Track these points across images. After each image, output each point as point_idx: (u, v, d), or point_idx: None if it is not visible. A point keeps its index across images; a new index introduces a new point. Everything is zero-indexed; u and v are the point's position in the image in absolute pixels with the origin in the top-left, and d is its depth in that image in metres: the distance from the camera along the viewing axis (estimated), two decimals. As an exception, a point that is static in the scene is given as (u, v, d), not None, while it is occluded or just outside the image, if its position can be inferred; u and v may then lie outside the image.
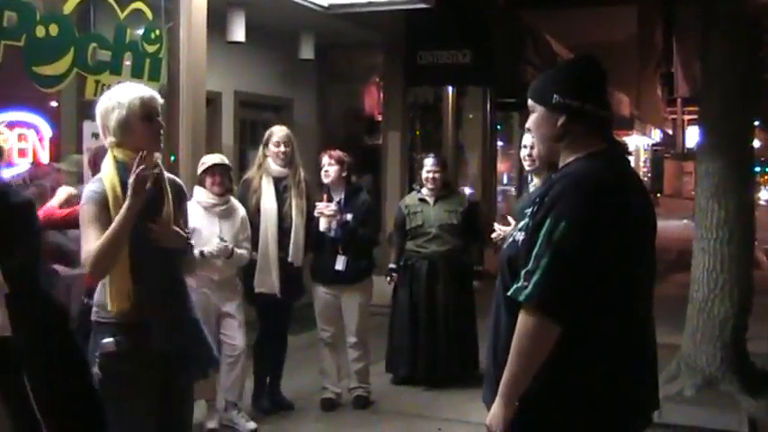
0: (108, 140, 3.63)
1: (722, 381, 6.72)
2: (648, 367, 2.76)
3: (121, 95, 3.62)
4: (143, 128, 3.62)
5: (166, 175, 3.79)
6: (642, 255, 2.67)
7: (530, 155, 5.44)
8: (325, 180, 6.40)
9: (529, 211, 2.65)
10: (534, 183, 5.55)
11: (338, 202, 6.34)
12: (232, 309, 5.91)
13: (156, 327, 3.62)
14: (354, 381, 6.62)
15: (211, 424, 5.93)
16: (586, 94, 2.66)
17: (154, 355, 3.61)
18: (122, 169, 3.56)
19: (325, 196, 6.33)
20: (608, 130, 2.74)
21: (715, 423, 6.03)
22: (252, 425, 5.94)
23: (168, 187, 3.74)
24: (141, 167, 3.45)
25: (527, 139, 5.49)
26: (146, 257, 3.61)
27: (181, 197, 3.88)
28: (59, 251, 5.93)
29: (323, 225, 6.27)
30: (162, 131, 3.74)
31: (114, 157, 3.62)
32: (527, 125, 2.82)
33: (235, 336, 5.92)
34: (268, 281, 6.11)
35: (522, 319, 2.53)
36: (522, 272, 2.54)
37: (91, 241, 3.48)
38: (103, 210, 3.52)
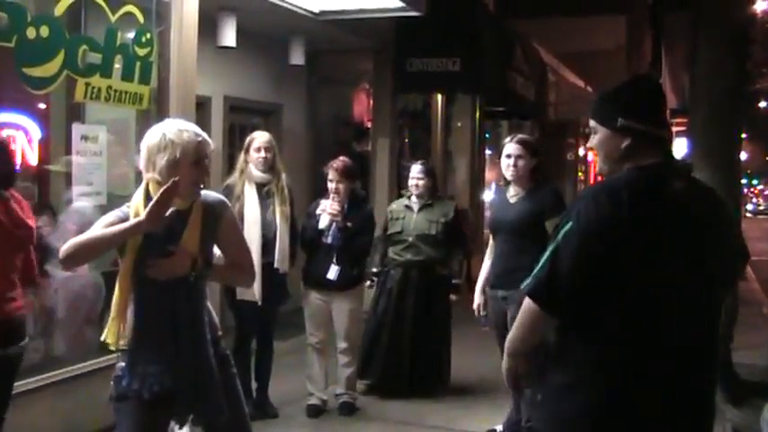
0: (149, 175, 3.51)
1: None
2: (673, 403, 2.66)
3: (175, 135, 3.49)
4: (190, 172, 3.50)
5: (202, 194, 3.64)
6: (674, 280, 2.62)
7: (514, 165, 5.46)
8: (333, 194, 6.32)
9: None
10: (513, 192, 5.57)
11: (342, 209, 6.29)
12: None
13: (149, 367, 3.56)
14: (342, 387, 6.61)
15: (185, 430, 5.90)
16: (649, 115, 2.73)
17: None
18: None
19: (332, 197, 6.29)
20: (666, 146, 2.81)
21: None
22: None
23: (199, 214, 3.59)
24: (165, 194, 3.31)
25: (510, 148, 5.50)
26: (147, 294, 3.54)
27: (216, 215, 3.67)
28: (51, 255, 5.93)
29: (324, 222, 6.24)
30: (207, 177, 3.64)
31: (147, 189, 3.53)
32: (589, 144, 2.95)
33: None
34: (250, 288, 6.05)
35: (525, 302, 2.75)
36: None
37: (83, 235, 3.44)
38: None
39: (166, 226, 3.48)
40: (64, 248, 3.44)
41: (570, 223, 2.59)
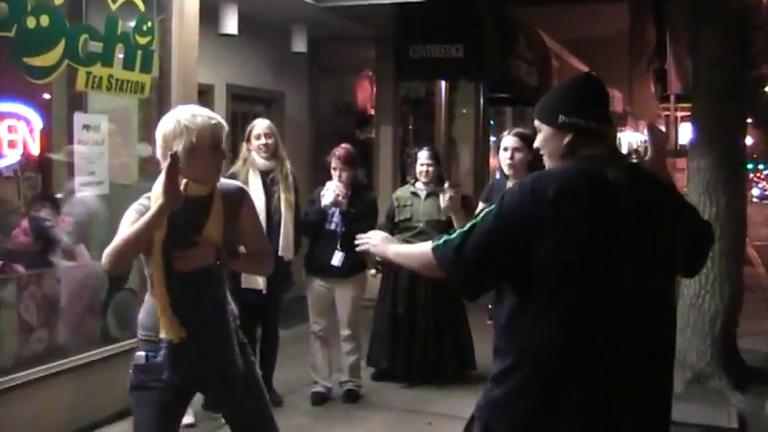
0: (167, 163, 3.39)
1: (712, 377, 6.74)
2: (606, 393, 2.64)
3: (190, 121, 3.46)
4: (208, 156, 3.47)
5: (220, 183, 3.64)
6: (606, 268, 2.60)
7: (511, 157, 5.44)
8: (338, 182, 6.32)
9: None
10: (511, 185, 5.55)
11: (347, 194, 6.30)
12: None
13: (175, 357, 3.53)
14: (346, 374, 6.62)
15: (186, 419, 5.91)
16: (590, 112, 2.77)
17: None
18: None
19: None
20: (608, 141, 2.83)
21: (704, 419, 6.04)
22: None
23: (219, 202, 3.58)
24: (172, 167, 3.26)
25: (507, 140, 5.48)
26: (176, 283, 3.50)
27: (236, 203, 3.66)
28: (54, 245, 5.94)
29: (328, 199, 6.22)
30: (224, 161, 3.62)
31: None
32: (535, 144, 2.90)
33: None
34: (254, 277, 6.06)
35: (426, 250, 2.81)
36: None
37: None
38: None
39: (190, 215, 3.47)
40: (104, 260, 3.42)
41: (494, 206, 2.67)
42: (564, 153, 2.76)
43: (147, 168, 6.69)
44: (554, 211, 2.56)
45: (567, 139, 2.74)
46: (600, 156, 2.72)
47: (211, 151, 3.48)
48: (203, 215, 3.54)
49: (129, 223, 3.44)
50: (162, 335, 3.51)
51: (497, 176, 5.55)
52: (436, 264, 2.74)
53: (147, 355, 3.60)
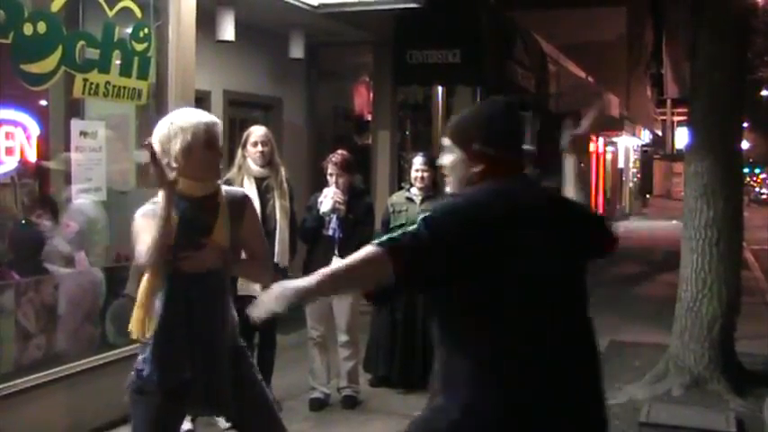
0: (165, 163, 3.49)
1: (710, 380, 6.74)
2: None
3: (183, 121, 3.54)
4: (204, 155, 3.54)
5: (224, 189, 3.73)
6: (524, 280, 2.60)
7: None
8: (335, 188, 6.33)
9: None
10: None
11: (344, 200, 6.31)
12: None
13: (172, 359, 3.59)
14: (344, 380, 6.62)
15: (184, 426, 5.91)
16: (505, 142, 2.73)
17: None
18: (179, 197, 3.50)
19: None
20: (519, 172, 2.78)
21: (703, 423, 6.05)
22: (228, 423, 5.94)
23: (225, 206, 3.66)
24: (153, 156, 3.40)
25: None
26: (175, 285, 3.56)
27: (240, 209, 3.76)
28: (53, 252, 5.94)
29: (326, 206, 6.23)
30: (221, 159, 3.69)
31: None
32: (439, 162, 2.83)
33: None
34: (251, 283, 6.04)
35: (368, 251, 2.57)
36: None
37: (143, 242, 3.46)
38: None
39: (197, 217, 3.55)
40: (142, 257, 3.48)
41: (437, 210, 2.61)
42: (473, 181, 2.71)
43: (145, 175, 6.70)
44: (486, 233, 2.55)
45: (478, 168, 2.70)
46: (513, 182, 2.71)
47: (207, 148, 3.54)
48: (211, 218, 3.61)
49: (144, 226, 3.49)
50: (148, 333, 3.56)
51: None
52: (386, 256, 2.54)
53: (144, 359, 3.64)
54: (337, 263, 2.75)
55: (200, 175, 3.55)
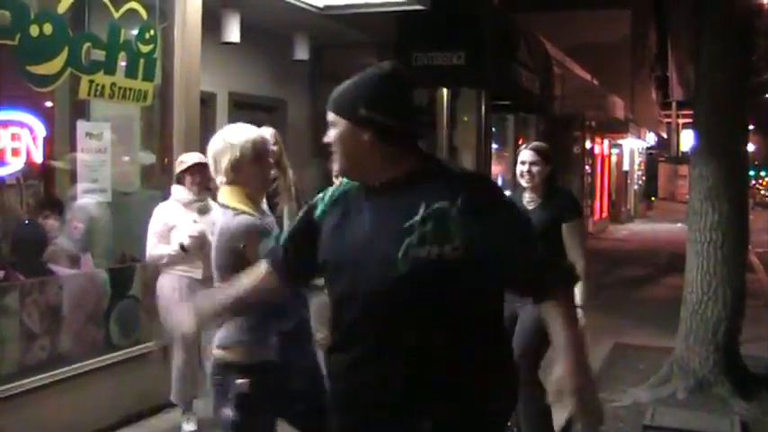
0: (219, 179, 3.73)
1: (715, 383, 6.72)
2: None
3: (233, 137, 3.72)
4: (252, 169, 3.72)
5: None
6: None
7: (529, 171, 5.45)
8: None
9: None
10: (528, 198, 5.55)
11: None
12: None
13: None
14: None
15: (189, 426, 5.92)
16: (395, 108, 2.54)
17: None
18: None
19: None
20: (412, 140, 2.62)
21: (707, 426, 6.03)
22: None
23: None
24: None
25: (525, 155, 5.50)
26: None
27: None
28: (58, 253, 5.95)
29: None
30: (271, 172, 3.98)
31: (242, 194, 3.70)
32: (326, 138, 2.65)
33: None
34: None
35: (568, 299, 2.62)
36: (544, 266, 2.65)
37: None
38: None
39: None
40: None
41: (518, 216, 2.65)
42: (363, 152, 2.54)
43: (149, 176, 6.72)
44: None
45: (366, 137, 2.51)
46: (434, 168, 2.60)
47: (255, 163, 3.72)
48: None
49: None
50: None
51: (501, 180, 5.58)
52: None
53: (251, 382, 3.73)
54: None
55: (253, 189, 3.77)
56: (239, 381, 3.62)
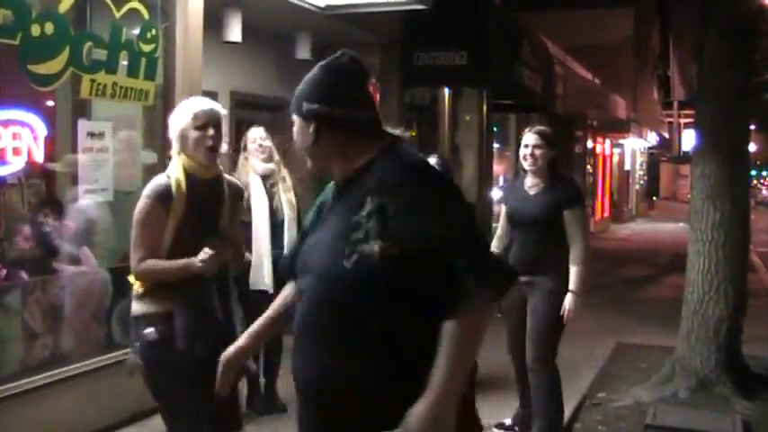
0: (173, 149, 4.02)
1: (717, 383, 6.73)
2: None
3: (181, 108, 4.02)
4: (195, 137, 3.92)
5: (225, 178, 4.18)
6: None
7: (531, 154, 5.47)
8: None
9: None
10: (531, 182, 5.56)
11: None
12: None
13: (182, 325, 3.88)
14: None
15: None
16: (335, 97, 2.58)
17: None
18: (186, 170, 3.93)
19: None
20: (377, 131, 2.64)
21: (709, 425, 6.03)
22: None
23: (226, 194, 4.12)
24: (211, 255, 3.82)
25: (529, 138, 5.52)
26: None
27: (237, 198, 4.30)
28: (60, 252, 5.95)
29: None
30: (219, 142, 4.03)
31: (181, 161, 3.96)
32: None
33: None
34: (261, 277, 6.13)
35: (476, 307, 2.46)
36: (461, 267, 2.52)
37: (140, 249, 3.91)
38: (161, 208, 3.86)
39: (205, 205, 3.99)
40: (137, 273, 3.98)
41: (458, 208, 2.61)
42: (311, 144, 2.59)
43: (151, 175, 6.69)
44: None
45: (311, 128, 2.57)
46: (397, 147, 2.62)
47: (197, 132, 3.93)
48: (215, 205, 4.06)
49: (146, 216, 3.90)
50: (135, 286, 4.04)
51: (501, 179, 5.58)
52: (492, 296, 2.49)
53: (158, 330, 3.93)
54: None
55: (197, 157, 3.94)
56: (147, 330, 3.87)
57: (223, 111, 4.15)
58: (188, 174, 3.93)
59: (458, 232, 2.47)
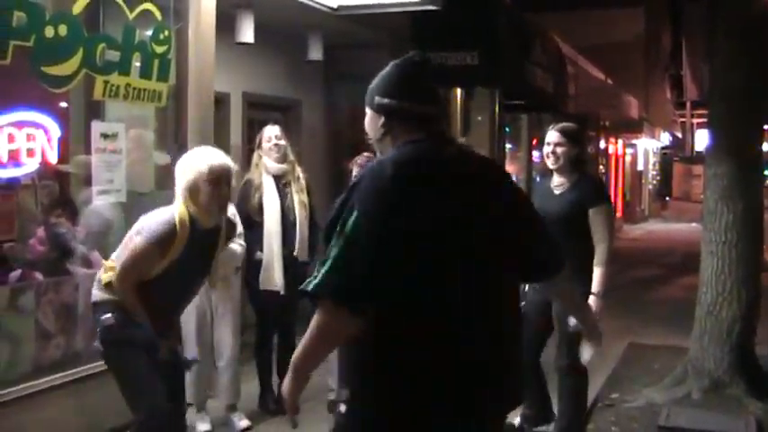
0: (179, 194, 4.17)
1: (730, 384, 6.70)
2: (481, 368, 2.60)
3: (194, 158, 4.15)
4: (208, 192, 4.10)
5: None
6: (464, 242, 2.59)
7: (553, 152, 5.43)
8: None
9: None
10: (557, 181, 5.52)
11: None
12: (227, 310, 5.95)
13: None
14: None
15: (203, 426, 5.94)
16: (403, 92, 2.79)
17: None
18: (191, 217, 4.14)
19: None
20: (433, 124, 2.79)
21: (722, 426, 6.02)
22: (244, 423, 5.98)
23: (223, 230, 4.46)
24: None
25: (551, 136, 5.48)
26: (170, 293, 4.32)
27: (231, 233, 4.73)
28: (71, 252, 5.97)
29: None
30: (229, 199, 4.35)
31: (186, 207, 4.15)
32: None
33: (228, 338, 5.96)
34: (272, 277, 6.15)
35: (318, 308, 2.56)
36: (318, 264, 2.58)
37: (129, 277, 4.12)
38: (159, 250, 4.06)
39: (199, 249, 4.22)
40: (118, 285, 4.19)
41: (354, 214, 2.56)
42: (382, 135, 2.79)
43: (164, 176, 6.71)
44: (396, 183, 2.57)
45: (381, 121, 2.78)
46: (424, 140, 2.71)
47: (210, 186, 4.10)
48: (212, 249, 4.37)
49: (144, 255, 4.09)
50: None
51: (537, 178, 5.56)
52: (328, 304, 2.51)
53: (114, 316, 4.26)
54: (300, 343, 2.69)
55: (204, 209, 4.16)
56: (105, 316, 4.16)
57: (234, 166, 4.31)
58: (192, 219, 4.12)
59: (331, 231, 2.60)
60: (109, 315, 4.18)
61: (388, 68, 2.88)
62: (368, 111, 2.84)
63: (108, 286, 4.22)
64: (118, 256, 4.23)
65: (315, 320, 2.57)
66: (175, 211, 4.11)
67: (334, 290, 2.51)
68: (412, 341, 2.54)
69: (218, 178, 4.09)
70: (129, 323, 4.16)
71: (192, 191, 4.08)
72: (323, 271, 2.53)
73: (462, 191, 2.64)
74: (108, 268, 4.26)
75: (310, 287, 2.54)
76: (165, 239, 4.05)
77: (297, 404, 2.77)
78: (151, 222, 4.11)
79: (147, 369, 4.18)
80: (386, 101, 2.77)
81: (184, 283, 4.35)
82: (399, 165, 2.61)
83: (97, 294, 4.29)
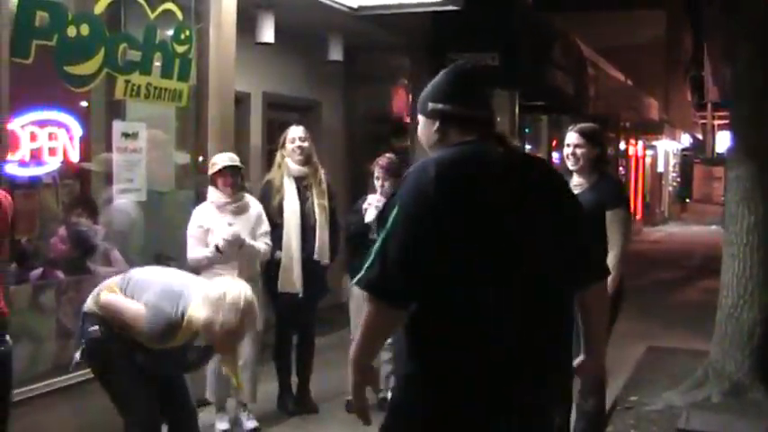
0: (193, 321, 4.03)
1: (750, 388, 6.65)
2: (514, 367, 2.62)
3: (215, 305, 3.96)
4: (222, 339, 4.04)
5: None
6: (499, 243, 2.61)
7: (573, 153, 5.40)
8: (380, 191, 6.28)
9: None
10: (576, 182, 5.49)
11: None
12: None
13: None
14: (382, 383, 6.59)
15: (222, 425, 5.95)
16: (456, 97, 2.82)
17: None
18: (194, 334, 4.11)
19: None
20: (486, 127, 2.84)
21: (742, 430, 5.98)
22: (251, 424, 5.98)
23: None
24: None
25: (570, 137, 5.44)
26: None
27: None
28: (92, 251, 5.99)
29: (370, 216, 6.20)
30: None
31: (195, 327, 4.06)
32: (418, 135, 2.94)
33: (247, 339, 5.97)
34: (291, 280, 6.14)
35: (366, 308, 2.72)
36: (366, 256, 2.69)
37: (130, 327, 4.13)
38: (159, 342, 4.10)
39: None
40: None
41: (396, 209, 2.63)
42: (436, 141, 2.81)
43: (184, 176, 6.75)
44: (440, 185, 2.58)
45: (435, 126, 2.81)
46: (474, 141, 2.75)
47: (229, 337, 4.05)
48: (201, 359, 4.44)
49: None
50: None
51: None
52: (381, 304, 2.65)
53: (101, 329, 4.28)
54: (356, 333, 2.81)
55: (224, 353, 4.29)
56: (92, 328, 4.21)
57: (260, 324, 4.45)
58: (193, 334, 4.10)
59: (380, 224, 2.74)
60: (96, 327, 4.21)
61: (439, 76, 2.91)
62: (420, 118, 2.88)
63: (102, 306, 4.23)
64: (122, 288, 4.25)
65: (364, 311, 2.72)
66: (187, 323, 4.05)
67: (371, 283, 2.65)
68: (443, 340, 2.61)
69: (237, 329, 4.03)
70: (113, 337, 4.18)
71: (209, 332, 4.02)
72: (365, 265, 2.67)
73: (503, 191, 2.66)
74: (109, 289, 4.27)
75: (356, 279, 2.71)
76: (164, 336, 4.06)
77: (366, 401, 2.91)
78: (161, 310, 4.05)
79: (134, 383, 4.22)
80: (439, 106, 2.81)
81: (168, 368, 4.37)
82: (442, 165, 2.65)
83: (90, 305, 4.31)
